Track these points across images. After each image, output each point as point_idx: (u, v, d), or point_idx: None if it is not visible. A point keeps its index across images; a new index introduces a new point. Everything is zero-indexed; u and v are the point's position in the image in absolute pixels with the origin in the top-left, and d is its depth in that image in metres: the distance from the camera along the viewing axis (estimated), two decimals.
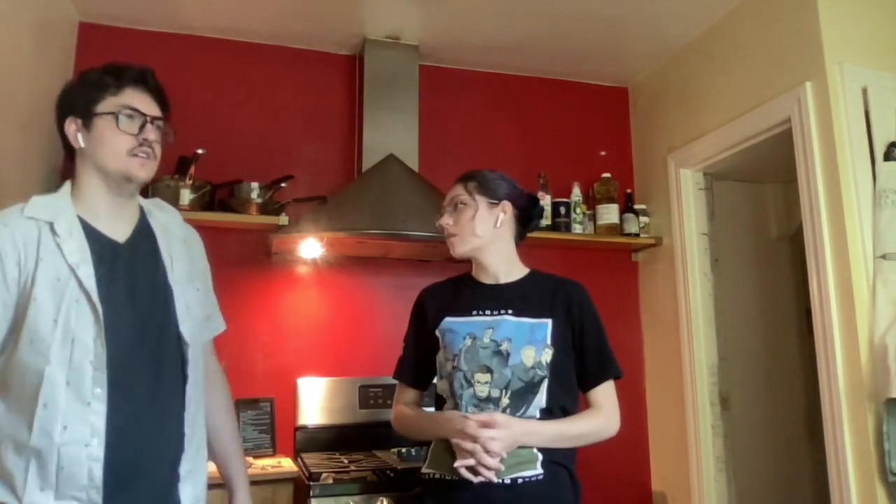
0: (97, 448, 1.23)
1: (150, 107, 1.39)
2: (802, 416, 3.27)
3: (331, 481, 2.17)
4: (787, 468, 3.22)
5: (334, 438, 2.70)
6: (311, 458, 2.49)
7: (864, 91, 2.24)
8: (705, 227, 2.97)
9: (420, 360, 1.72)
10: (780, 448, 3.23)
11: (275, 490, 2.29)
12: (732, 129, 2.67)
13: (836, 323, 2.18)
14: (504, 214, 1.68)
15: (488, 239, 1.67)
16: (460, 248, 1.67)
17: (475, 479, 1.48)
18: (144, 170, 1.37)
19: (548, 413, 1.57)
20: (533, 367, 1.56)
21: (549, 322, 1.61)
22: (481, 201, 1.67)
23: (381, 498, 2.15)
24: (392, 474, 2.22)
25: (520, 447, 1.52)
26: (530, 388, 1.56)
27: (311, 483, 2.15)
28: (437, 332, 1.67)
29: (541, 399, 1.56)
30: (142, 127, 1.36)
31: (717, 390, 2.85)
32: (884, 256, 2.14)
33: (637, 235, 3.11)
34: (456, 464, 1.49)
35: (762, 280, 3.38)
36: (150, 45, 2.81)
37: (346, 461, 2.44)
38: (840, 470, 2.13)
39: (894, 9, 2.37)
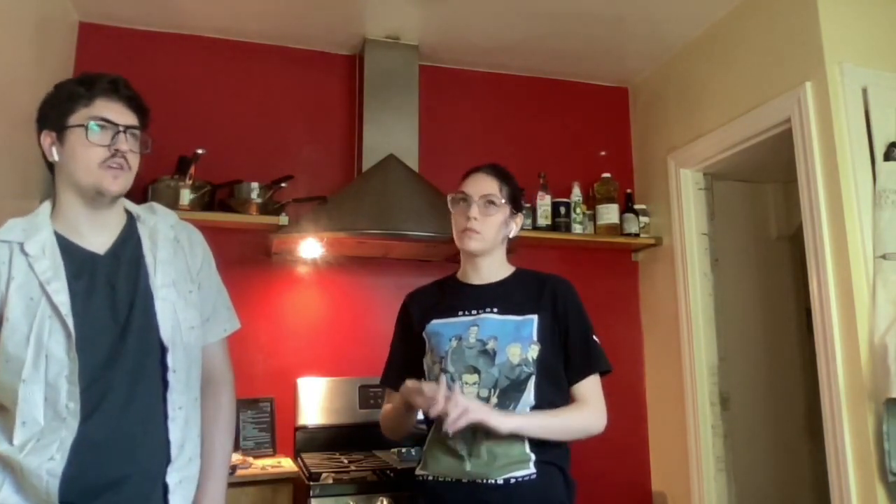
0: (59, 463, 1.23)
1: (123, 116, 1.35)
2: (802, 416, 3.27)
3: (331, 481, 2.17)
4: (787, 468, 3.22)
5: (334, 438, 2.70)
6: (311, 458, 2.49)
7: (864, 91, 2.24)
8: (705, 227, 2.97)
9: (407, 365, 1.70)
10: (780, 448, 3.23)
11: (275, 490, 2.29)
12: (732, 129, 2.67)
13: (836, 323, 2.18)
14: (515, 227, 1.71)
15: (498, 244, 1.68)
16: (477, 246, 1.64)
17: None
18: (117, 183, 1.34)
19: (540, 400, 1.56)
20: (519, 365, 1.56)
21: (534, 318, 1.61)
22: (507, 209, 1.67)
23: (380, 498, 2.15)
24: (392, 474, 2.22)
25: (512, 446, 1.52)
26: (517, 386, 1.55)
27: (311, 483, 2.15)
28: (423, 335, 1.66)
29: (529, 396, 1.55)
30: (114, 137, 1.33)
31: (717, 390, 2.85)
32: (884, 256, 2.14)
33: (637, 235, 3.11)
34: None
35: (762, 280, 3.38)
36: (150, 45, 2.81)
37: (345, 461, 2.44)
38: (840, 470, 2.13)
39: (894, 9, 2.37)
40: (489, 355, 1.56)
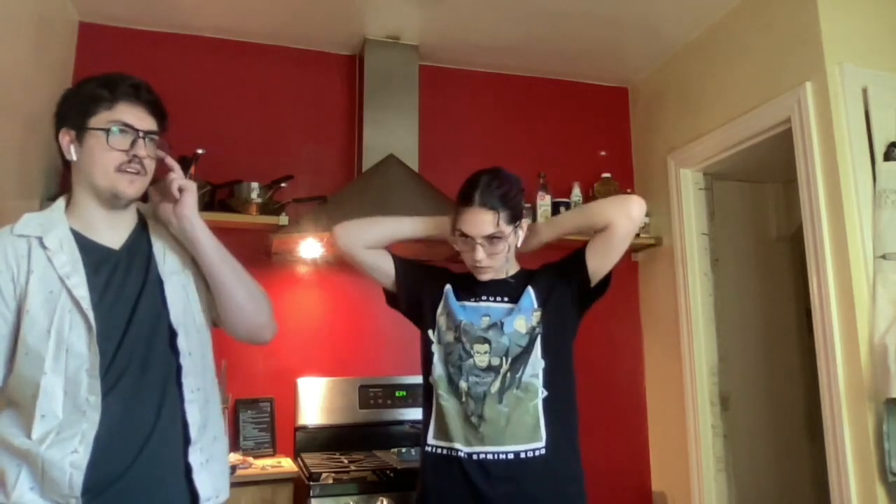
0: (83, 456, 1.24)
1: (143, 121, 1.36)
2: (802, 416, 3.27)
3: (331, 481, 2.17)
4: (787, 468, 3.22)
5: (334, 438, 2.70)
6: (311, 458, 2.49)
7: (864, 91, 2.24)
8: (705, 227, 2.97)
9: (411, 276, 1.78)
10: (780, 448, 3.23)
11: (275, 490, 2.29)
12: (732, 129, 2.67)
13: (836, 323, 2.18)
14: (522, 232, 1.73)
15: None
16: (492, 275, 1.70)
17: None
18: (133, 187, 1.35)
19: (550, 361, 1.63)
20: (527, 333, 1.64)
21: (529, 289, 1.69)
22: (509, 229, 1.65)
23: (380, 498, 2.16)
24: (392, 474, 2.23)
25: (525, 414, 1.58)
26: (527, 349, 1.63)
27: (311, 483, 2.15)
28: (443, 291, 1.72)
29: (537, 354, 1.63)
30: (133, 143, 1.34)
31: (717, 390, 2.85)
32: (884, 256, 2.14)
33: (637, 235, 3.10)
34: None
35: (762, 280, 3.38)
36: (150, 45, 2.81)
37: (345, 461, 2.44)
38: (840, 470, 2.13)
39: (894, 9, 2.37)
40: (498, 327, 1.64)
